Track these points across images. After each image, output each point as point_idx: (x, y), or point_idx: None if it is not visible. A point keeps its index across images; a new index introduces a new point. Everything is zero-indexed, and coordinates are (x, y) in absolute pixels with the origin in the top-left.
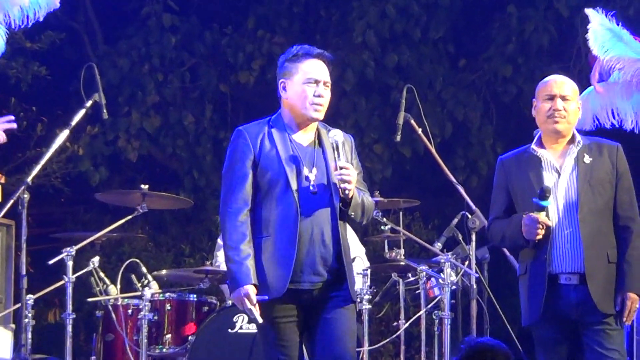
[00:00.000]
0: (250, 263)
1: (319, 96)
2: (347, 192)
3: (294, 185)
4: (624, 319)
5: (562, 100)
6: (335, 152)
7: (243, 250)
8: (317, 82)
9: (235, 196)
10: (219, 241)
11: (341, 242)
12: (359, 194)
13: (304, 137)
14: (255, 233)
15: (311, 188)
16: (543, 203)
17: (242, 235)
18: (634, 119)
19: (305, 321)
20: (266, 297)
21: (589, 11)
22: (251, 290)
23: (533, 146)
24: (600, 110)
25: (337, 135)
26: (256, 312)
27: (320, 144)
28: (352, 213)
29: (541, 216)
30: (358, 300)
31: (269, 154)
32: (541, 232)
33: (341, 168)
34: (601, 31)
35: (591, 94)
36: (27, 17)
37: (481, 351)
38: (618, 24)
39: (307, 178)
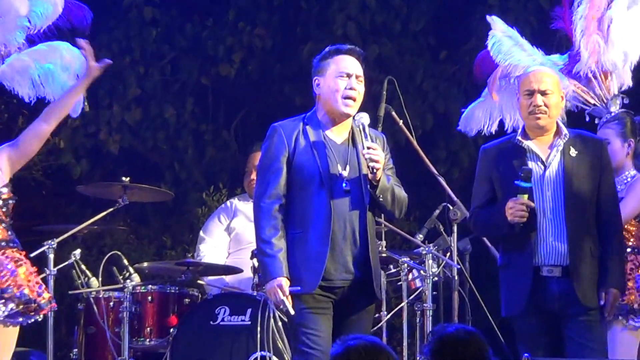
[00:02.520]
0: (282, 256)
1: (351, 89)
2: (375, 170)
3: (327, 183)
4: (606, 314)
5: (542, 95)
6: (362, 133)
7: (275, 244)
8: (349, 75)
9: (268, 191)
10: (202, 234)
11: (369, 240)
12: (388, 180)
13: (338, 135)
14: (289, 228)
15: (344, 186)
16: (524, 185)
17: (275, 229)
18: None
19: (335, 318)
20: (299, 289)
21: (490, 19)
22: (284, 282)
23: (518, 137)
24: (484, 117)
25: (363, 117)
26: (289, 303)
27: (354, 142)
28: (381, 196)
29: (524, 198)
30: None
31: (303, 151)
32: (525, 214)
33: (368, 148)
34: (502, 38)
35: (482, 102)
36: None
37: (451, 343)
38: (520, 33)
39: (340, 175)
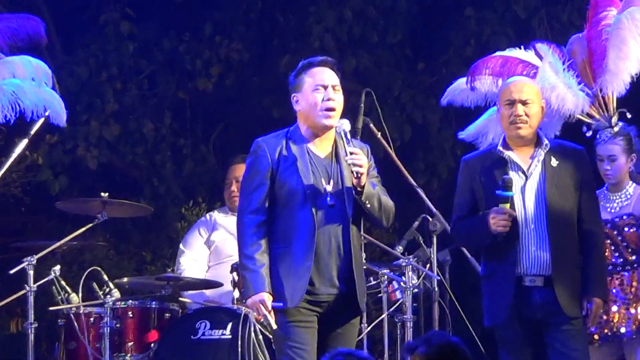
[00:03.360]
0: (265, 272)
1: (329, 100)
2: (359, 175)
3: (311, 198)
4: (589, 324)
5: (523, 105)
6: (344, 139)
7: (258, 259)
8: (325, 87)
9: (252, 206)
10: (182, 247)
11: (353, 253)
12: (374, 187)
13: (322, 149)
14: (273, 244)
15: (328, 200)
16: (506, 193)
17: (258, 245)
18: None
19: (320, 331)
20: (281, 304)
21: (539, 46)
22: (267, 297)
23: (499, 147)
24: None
25: (344, 124)
26: (271, 318)
27: (337, 156)
28: (367, 202)
29: (506, 207)
30: None
31: (287, 166)
32: (507, 223)
33: (351, 153)
34: (546, 68)
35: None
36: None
37: (446, 354)
38: (562, 57)
39: (324, 190)
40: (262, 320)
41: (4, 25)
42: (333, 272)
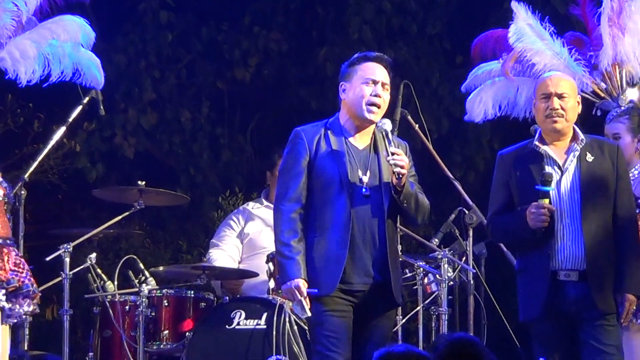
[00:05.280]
0: (301, 259)
1: (376, 95)
2: (400, 176)
3: (347, 187)
4: (622, 320)
5: (559, 99)
6: (385, 140)
7: (294, 247)
8: (374, 82)
9: (289, 195)
10: (213, 240)
11: (388, 245)
12: (412, 187)
13: (360, 141)
14: (309, 232)
15: (363, 191)
16: (546, 188)
17: (294, 232)
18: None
19: (355, 322)
20: (316, 290)
21: (515, 6)
22: (302, 283)
23: (536, 142)
24: (491, 101)
25: (385, 124)
26: (306, 304)
27: (376, 148)
28: (405, 202)
29: (545, 202)
30: None
31: (324, 156)
32: (547, 218)
33: (392, 154)
34: (524, 28)
35: (490, 86)
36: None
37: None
38: (542, 21)
39: (360, 181)
40: (296, 306)
41: None
42: (368, 262)
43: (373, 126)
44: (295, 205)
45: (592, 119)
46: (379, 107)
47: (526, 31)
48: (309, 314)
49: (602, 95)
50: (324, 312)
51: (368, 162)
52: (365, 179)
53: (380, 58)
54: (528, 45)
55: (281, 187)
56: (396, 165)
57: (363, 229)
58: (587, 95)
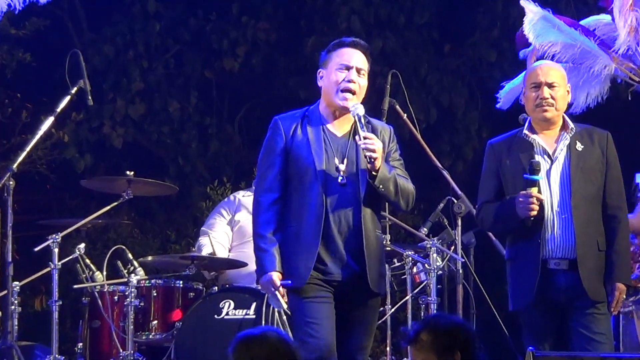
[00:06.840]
0: (275, 251)
1: (349, 81)
2: (372, 160)
3: (322, 176)
4: (612, 309)
5: (549, 88)
6: (358, 124)
7: (269, 238)
8: (348, 68)
9: (265, 185)
10: (203, 228)
11: (364, 233)
12: (390, 170)
13: (340, 128)
14: (286, 222)
15: (340, 180)
16: (534, 177)
17: (270, 223)
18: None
19: (337, 313)
20: (289, 282)
21: (524, 2)
22: (275, 276)
23: (525, 131)
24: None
25: (358, 108)
26: (280, 297)
27: (355, 136)
28: (381, 186)
29: (534, 191)
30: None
31: (300, 144)
32: (536, 207)
33: (364, 138)
34: (536, 21)
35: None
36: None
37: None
38: (553, 13)
39: (337, 169)
40: (272, 298)
41: None
42: (344, 252)
43: (350, 113)
44: (273, 195)
45: (619, 104)
46: (353, 92)
47: (540, 25)
48: (285, 306)
49: (638, 79)
50: (302, 300)
51: (346, 150)
52: (342, 167)
53: (356, 43)
54: (545, 40)
55: (259, 177)
56: (367, 150)
57: (339, 218)
58: (623, 76)
